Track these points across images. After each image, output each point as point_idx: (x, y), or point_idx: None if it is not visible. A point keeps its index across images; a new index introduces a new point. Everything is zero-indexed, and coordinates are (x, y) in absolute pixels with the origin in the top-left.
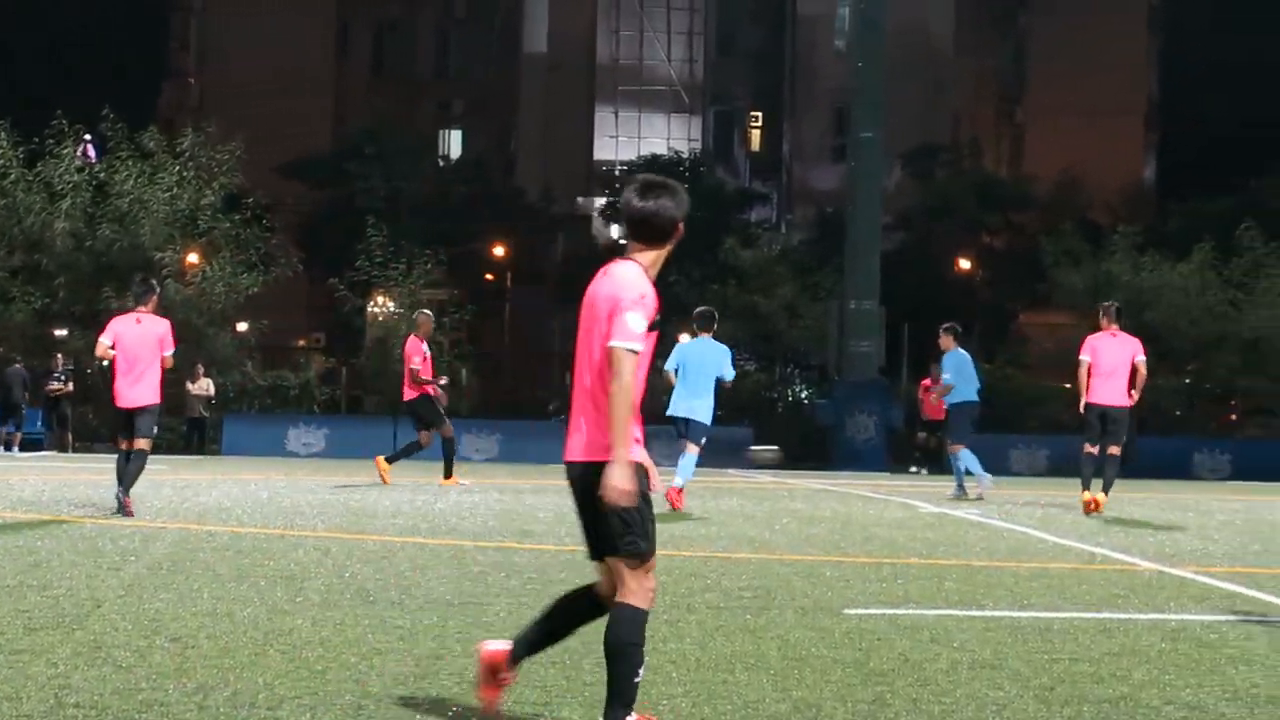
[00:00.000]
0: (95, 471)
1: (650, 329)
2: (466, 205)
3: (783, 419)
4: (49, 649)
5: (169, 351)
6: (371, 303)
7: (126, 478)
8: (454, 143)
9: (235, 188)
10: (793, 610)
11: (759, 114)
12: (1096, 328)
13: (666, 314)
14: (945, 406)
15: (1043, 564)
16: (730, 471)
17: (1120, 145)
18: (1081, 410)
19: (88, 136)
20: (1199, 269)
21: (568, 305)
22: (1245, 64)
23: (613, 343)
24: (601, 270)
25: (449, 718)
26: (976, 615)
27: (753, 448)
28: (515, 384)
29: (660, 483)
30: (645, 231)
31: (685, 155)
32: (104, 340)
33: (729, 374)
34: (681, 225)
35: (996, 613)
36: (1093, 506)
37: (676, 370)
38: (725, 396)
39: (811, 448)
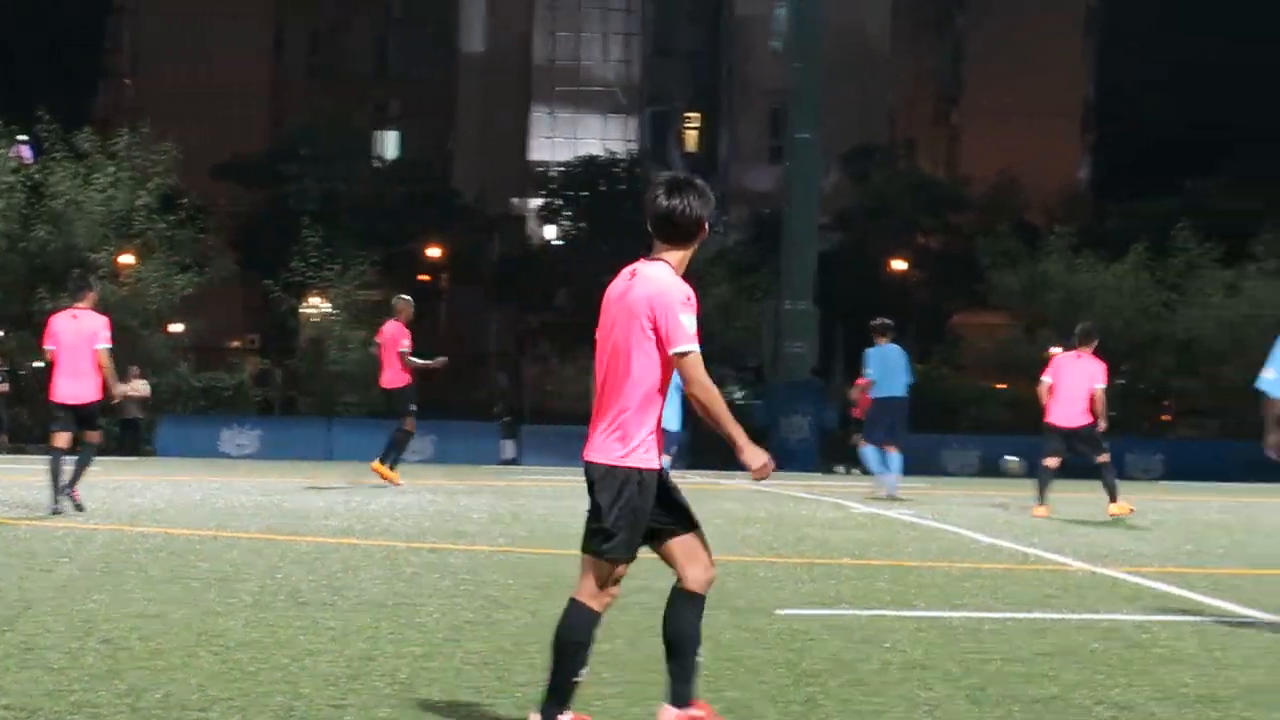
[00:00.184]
0: (29, 473)
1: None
2: (403, 206)
3: None
4: None
5: (100, 345)
6: (306, 304)
7: (76, 470)
8: (390, 143)
9: (170, 189)
10: (726, 611)
11: (695, 115)
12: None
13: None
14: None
15: (975, 564)
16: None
17: (1057, 146)
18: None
19: (22, 138)
20: (1134, 270)
21: (503, 305)
22: (1182, 65)
23: (677, 349)
24: (627, 271)
25: (380, 719)
26: (908, 615)
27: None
28: (451, 384)
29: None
30: (671, 231)
31: (621, 156)
32: (48, 345)
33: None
34: (708, 225)
35: (928, 613)
36: (1039, 515)
37: None
38: None
39: None
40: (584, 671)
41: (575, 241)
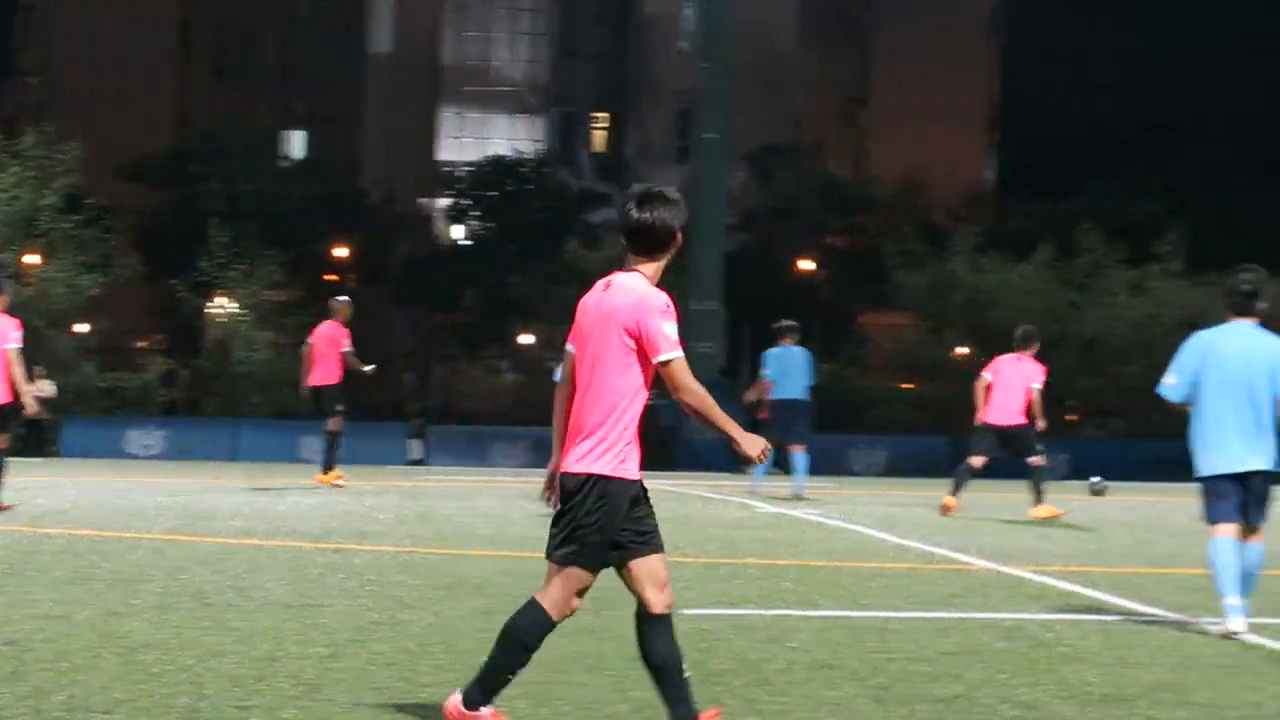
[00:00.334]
0: None
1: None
2: (310, 206)
3: None
4: None
5: (8, 345)
6: (212, 304)
7: None
8: (297, 143)
9: (75, 189)
10: (632, 610)
11: (603, 115)
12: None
13: (509, 316)
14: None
15: (880, 564)
16: None
17: (962, 147)
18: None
19: None
20: (1039, 269)
21: (411, 305)
22: (1086, 68)
23: (662, 357)
24: (602, 283)
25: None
26: (814, 615)
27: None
28: (358, 385)
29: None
30: (645, 242)
31: (529, 156)
32: None
33: None
34: (680, 236)
35: (833, 612)
36: (946, 511)
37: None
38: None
39: (653, 449)
40: (520, 672)
41: (483, 241)
